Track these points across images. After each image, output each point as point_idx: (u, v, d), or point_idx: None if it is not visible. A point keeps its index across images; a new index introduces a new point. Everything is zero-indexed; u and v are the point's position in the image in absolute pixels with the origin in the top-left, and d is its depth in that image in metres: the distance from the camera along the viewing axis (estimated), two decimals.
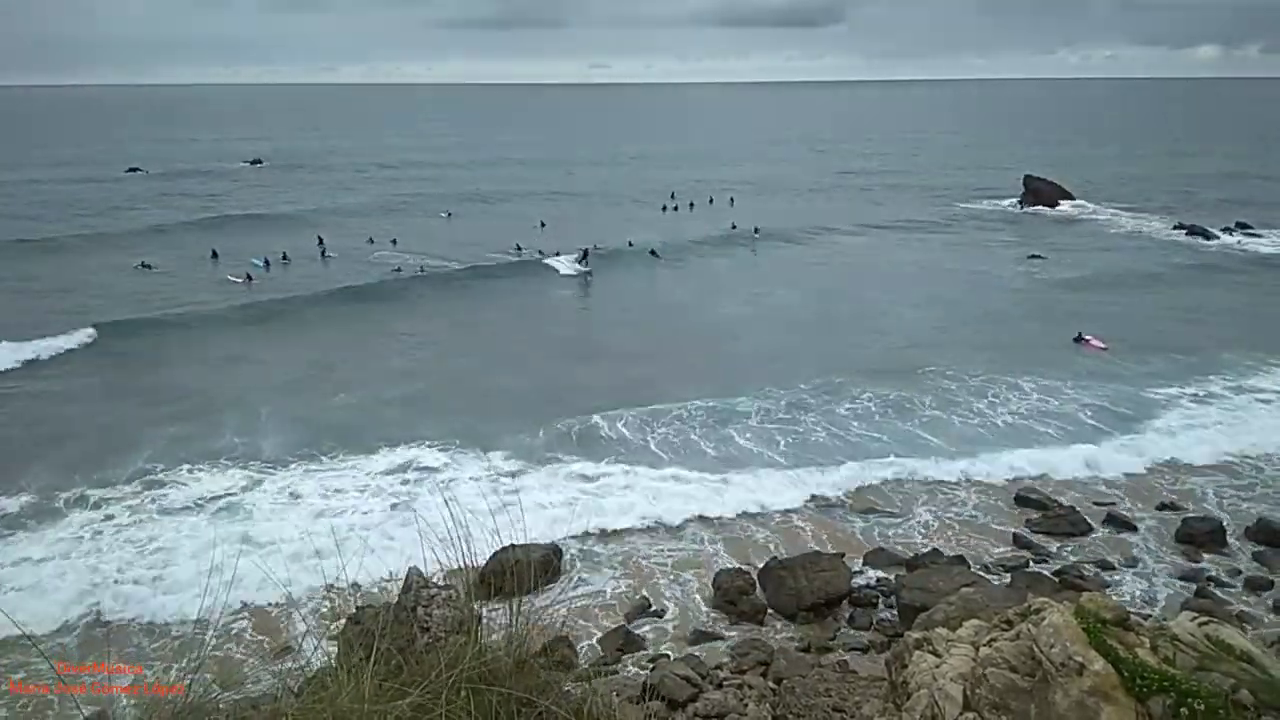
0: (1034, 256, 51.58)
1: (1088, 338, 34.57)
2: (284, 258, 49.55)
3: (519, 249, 52.58)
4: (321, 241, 53.20)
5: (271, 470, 23.27)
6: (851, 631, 16.86)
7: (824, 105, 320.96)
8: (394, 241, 54.42)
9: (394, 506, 21.30)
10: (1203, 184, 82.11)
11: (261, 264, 47.78)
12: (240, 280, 44.42)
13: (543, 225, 60.47)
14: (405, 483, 22.58)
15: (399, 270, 47.14)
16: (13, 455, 23.85)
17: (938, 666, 7.44)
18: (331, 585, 16.87)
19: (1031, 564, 19.12)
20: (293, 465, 23.63)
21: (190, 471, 22.96)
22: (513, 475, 22.82)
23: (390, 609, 7.67)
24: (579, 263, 47.69)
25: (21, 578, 17.92)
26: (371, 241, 54.39)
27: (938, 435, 25.96)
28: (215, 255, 49.36)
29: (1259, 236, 58.11)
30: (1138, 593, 17.96)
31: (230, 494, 21.92)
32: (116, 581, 17.89)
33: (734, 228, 59.27)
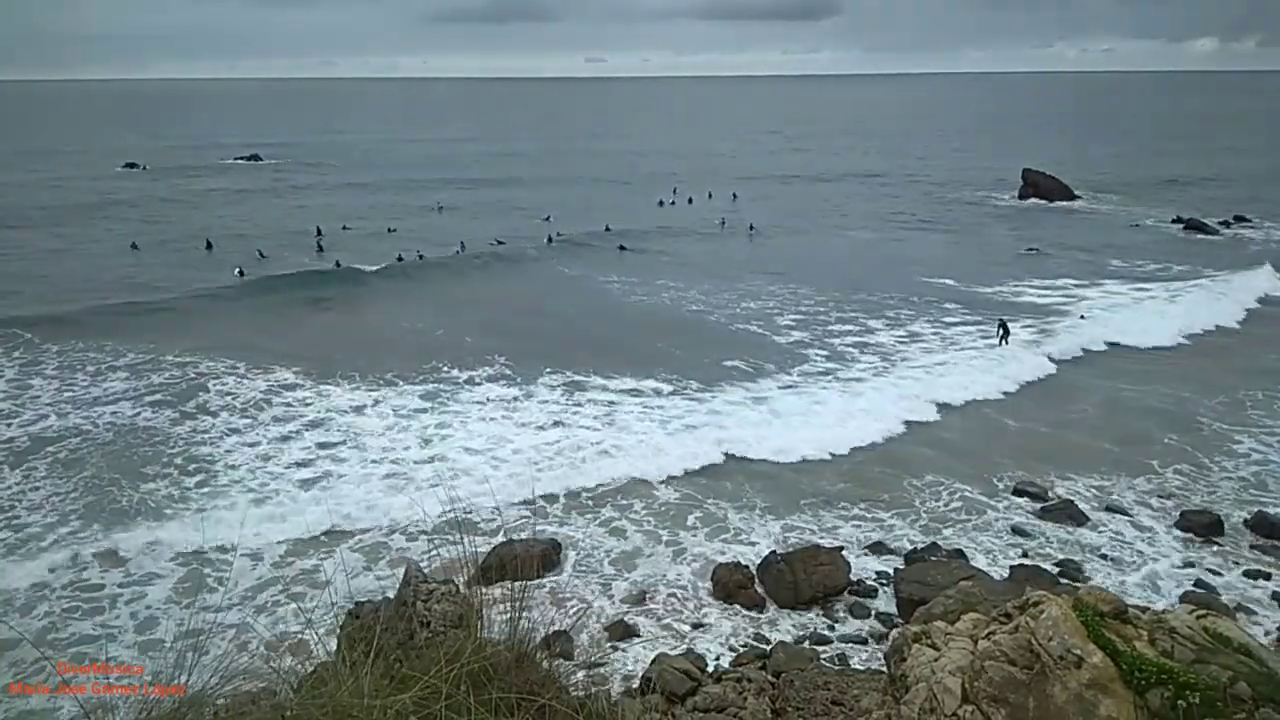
0: (1031, 250, 51.59)
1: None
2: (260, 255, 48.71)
3: (498, 244, 52.48)
4: (320, 232, 53.77)
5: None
6: (850, 625, 16.89)
7: (820, 98, 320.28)
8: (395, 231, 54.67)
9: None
10: (1201, 177, 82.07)
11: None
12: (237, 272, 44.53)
13: (548, 219, 59.32)
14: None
15: (401, 259, 47.37)
16: None
17: (936, 660, 7.46)
18: (331, 580, 16.87)
19: (1030, 557, 19.13)
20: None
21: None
22: None
23: (390, 604, 7.69)
24: (999, 339, 33.13)
25: None
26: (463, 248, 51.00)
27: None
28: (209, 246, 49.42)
29: (1257, 229, 58.17)
30: (1135, 585, 17.98)
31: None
32: None
33: (723, 224, 59.28)
